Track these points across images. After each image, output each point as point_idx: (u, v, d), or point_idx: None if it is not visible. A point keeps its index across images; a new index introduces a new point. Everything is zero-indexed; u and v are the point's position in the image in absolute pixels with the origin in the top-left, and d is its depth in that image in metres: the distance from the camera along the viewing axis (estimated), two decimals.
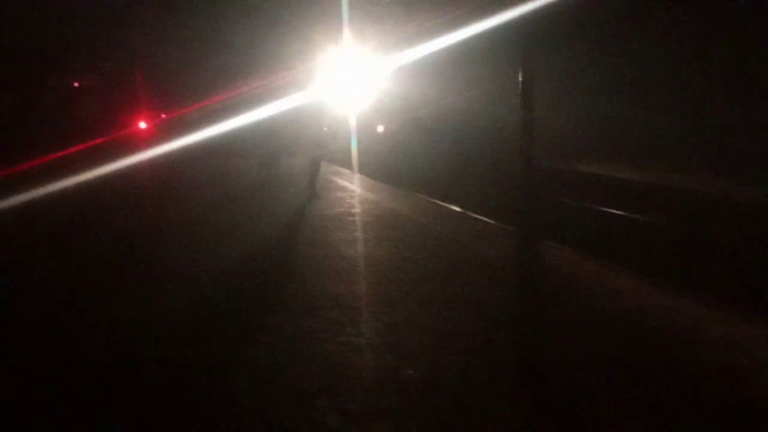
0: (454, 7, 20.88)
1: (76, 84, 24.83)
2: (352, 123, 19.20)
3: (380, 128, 25.55)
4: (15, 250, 7.56)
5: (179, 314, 4.81)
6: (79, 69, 24.50)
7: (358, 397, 3.30)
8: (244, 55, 40.40)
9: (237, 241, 7.83)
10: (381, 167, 18.41)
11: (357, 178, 16.41)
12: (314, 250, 7.16)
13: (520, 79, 3.67)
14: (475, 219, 9.63)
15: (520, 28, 3.71)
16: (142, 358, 3.90)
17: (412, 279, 5.82)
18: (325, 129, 17.56)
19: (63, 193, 12.14)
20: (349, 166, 18.14)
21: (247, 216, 9.80)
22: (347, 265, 6.34)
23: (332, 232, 8.31)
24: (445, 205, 11.33)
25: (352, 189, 13.81)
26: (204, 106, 26.28)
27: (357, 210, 10.37)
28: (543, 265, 5.72)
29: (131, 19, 25.28)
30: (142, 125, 23.44)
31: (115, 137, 21.63)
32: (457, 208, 10.78)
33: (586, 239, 8.06)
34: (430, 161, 19.76)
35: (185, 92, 26.07)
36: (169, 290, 5.56)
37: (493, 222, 9.19)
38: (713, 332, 4.35)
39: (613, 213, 11.53)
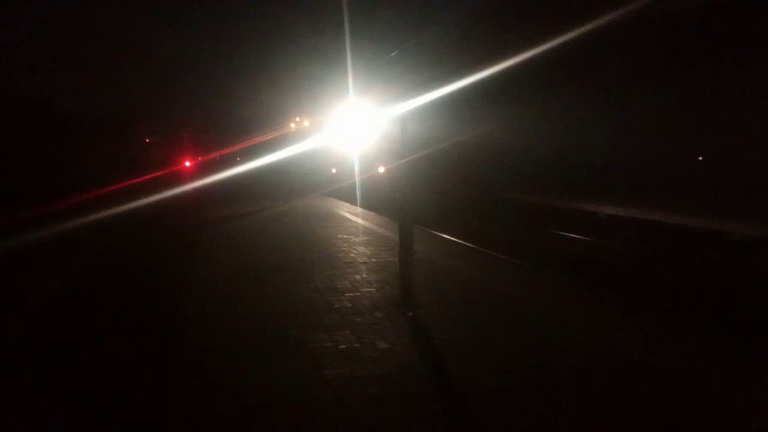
0: (451, 59, 26.66)
1: (147, 140, 40.21)
2: (357, 164, 23.28)
3: (381, 169, 26.14)
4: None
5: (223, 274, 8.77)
6: (148, 131, 40.10)
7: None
8: (260, 110, 51.05)
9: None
10: (381, 201, 19.78)
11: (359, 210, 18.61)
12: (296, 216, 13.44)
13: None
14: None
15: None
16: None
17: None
18: (333, 171, 20.90)
19: (143, 201, 22.06)
20: (354, 201, 20.51)
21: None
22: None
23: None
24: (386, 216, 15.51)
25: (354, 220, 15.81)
26: (227, 151, 41.04)
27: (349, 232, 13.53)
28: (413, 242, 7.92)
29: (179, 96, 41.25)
30: (187, 164, 38.04)
31: (170, 171, 36.14)
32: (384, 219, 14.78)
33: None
34: (418, 195, 25.99)
35: (214, 142, 40.74)
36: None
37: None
38: (505, 278, 7.89)
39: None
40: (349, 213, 16.48)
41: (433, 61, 26.87)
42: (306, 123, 37.73)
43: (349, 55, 21.88)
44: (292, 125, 40.50)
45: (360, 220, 14.88)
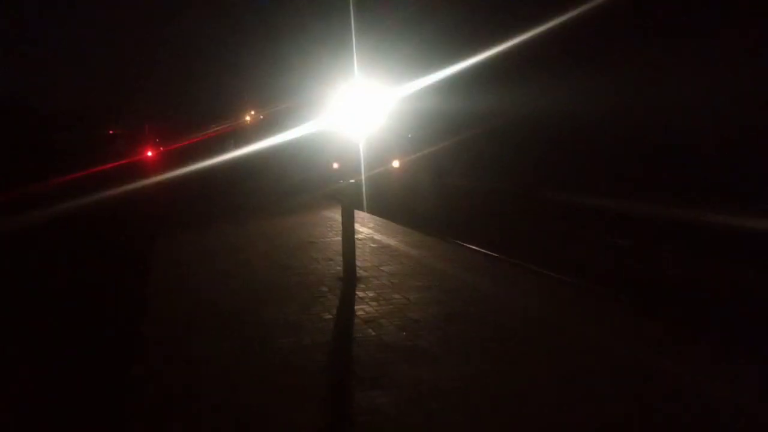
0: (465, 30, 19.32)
1: (111, 132, 43.33)
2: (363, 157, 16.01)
3: (396, 163, 22.27)
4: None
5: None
6: (111, 123, 43.35)
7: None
8: (239, 95, 47.09)
9: None
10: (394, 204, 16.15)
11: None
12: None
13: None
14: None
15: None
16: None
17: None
18: (335, 166, 17.39)
19: (108, 183, 23.36)
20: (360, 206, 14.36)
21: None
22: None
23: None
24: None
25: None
26: (192, 142, 43.78)
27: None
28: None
29: (142, 89, 44.31)
30: (149, 154, 41.15)
31: (133, 160, 39.10)
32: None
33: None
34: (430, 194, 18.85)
35: (177, 133, 43.80)
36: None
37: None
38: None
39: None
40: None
41: (465, 20, 20.28)
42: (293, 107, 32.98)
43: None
44: (260, 115, 41.62)
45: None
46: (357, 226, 10.90)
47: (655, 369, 4.54)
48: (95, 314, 6.71)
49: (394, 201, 16.57)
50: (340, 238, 7.87)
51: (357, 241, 8.93)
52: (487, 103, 18.27)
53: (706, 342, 5.14)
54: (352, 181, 8.06)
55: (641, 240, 10.39)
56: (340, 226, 7.79)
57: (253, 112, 44.43)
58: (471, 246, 9.67)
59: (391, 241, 10.19)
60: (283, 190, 19.78)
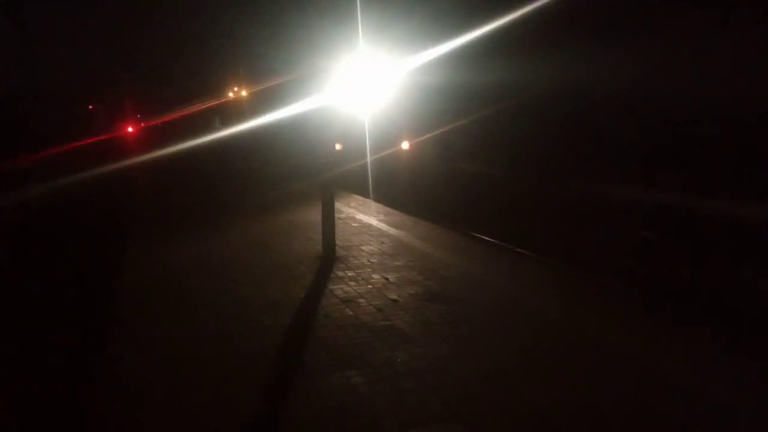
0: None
1: (90, 107, 41.20)
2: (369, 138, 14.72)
3: (405, 144, 20.56)
4: None
5: None
6: (92, 99, 41.21)
7: None
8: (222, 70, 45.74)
9: None
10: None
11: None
12: None
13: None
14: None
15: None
16: None
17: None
18: (338, 147, 13.55)
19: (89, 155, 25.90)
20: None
21: None
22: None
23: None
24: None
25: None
26: (176, 117, 41.95)
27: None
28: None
29: (123, 63, 42.16)
30: (130, 129, 39.38)
31: (114, 136, 37.38)
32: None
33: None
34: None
35: (158, 108, 41.96)
36: None
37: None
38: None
39: None
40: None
41: None
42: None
43: None
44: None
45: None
46: (365, 217, 10.45)
47: (633, 356, 4.55)
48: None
49: (404, 188, 14.59)
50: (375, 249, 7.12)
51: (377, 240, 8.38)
52: (511, 77, 15.68)
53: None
54: (331, 159, 7.90)
55: (667, 233, 9.44)
56: (360, 224, 7.78)
57: (237, 88, 41.91)
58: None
59: (416, 242, 8.52)
60: (280, 175, 16.91)
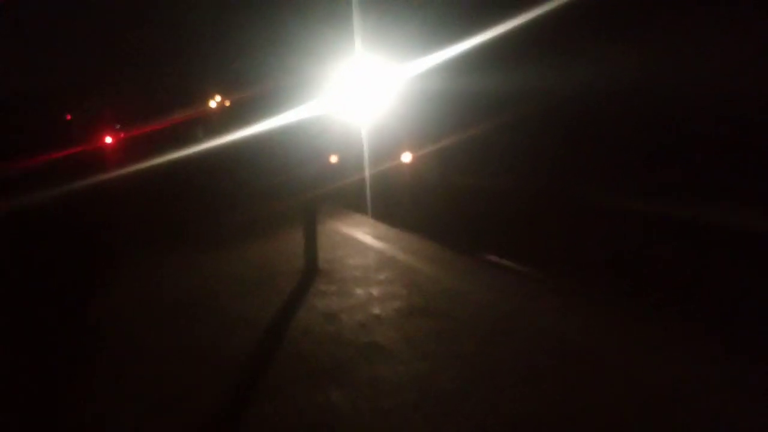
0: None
1: (68, 117, 40.02)
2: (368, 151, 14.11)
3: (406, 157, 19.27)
4: None
5: None
6: (70, 109, 40.04)
7: None
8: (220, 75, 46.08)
9: None
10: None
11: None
12: None
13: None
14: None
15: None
16: None
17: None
18: (333, 159, 14.89)
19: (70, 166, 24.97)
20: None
21: None
22: None
23: None
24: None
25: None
26: (157, 128, 40.56)
27: None
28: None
29: (102, 75, 40.71)
30: (108, 140, 38.13)
31: (92, 147, 36.18)
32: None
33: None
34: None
35: (141, 117, 40.72)
36: None
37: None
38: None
39: None
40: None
41: None
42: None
43: None
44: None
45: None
46: (369, 239, 9.52)
47: (622, 366, 4.40)
48: None
49: (407, 205, 13.07)
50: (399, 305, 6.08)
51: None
52: (523, 84, 14.10)
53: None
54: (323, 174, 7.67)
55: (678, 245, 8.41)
56: (379, 255, 7.57)
57: (220, 98, 39.80)
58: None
59: (426, 267, 7.49)
60: (269, 191, 15.17)
